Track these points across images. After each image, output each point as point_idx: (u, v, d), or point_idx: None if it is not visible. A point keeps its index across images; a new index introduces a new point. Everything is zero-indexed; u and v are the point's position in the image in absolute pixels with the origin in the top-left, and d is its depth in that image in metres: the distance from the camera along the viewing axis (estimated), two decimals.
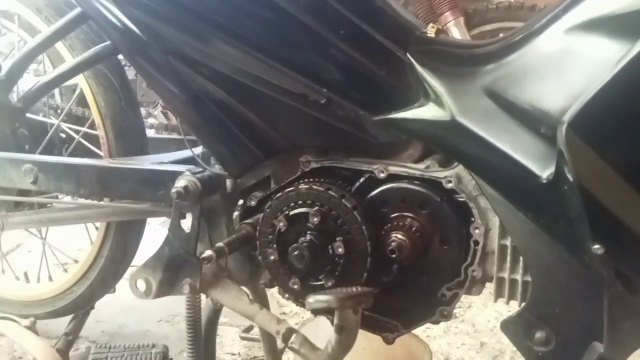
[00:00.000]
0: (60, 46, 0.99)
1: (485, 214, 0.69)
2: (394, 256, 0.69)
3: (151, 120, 1.92)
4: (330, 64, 0.72)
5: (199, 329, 0.83)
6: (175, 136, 1.81)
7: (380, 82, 0.71)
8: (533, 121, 0.60)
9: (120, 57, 0.98)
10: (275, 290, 0.81)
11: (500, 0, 1.73)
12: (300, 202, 0.72)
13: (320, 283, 0.72)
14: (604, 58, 0.53)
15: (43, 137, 1.08)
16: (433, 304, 0.73)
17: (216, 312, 0.91)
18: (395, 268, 0.73)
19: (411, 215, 0.71)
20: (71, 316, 1.17)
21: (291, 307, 1.51)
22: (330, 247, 0.70)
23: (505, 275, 0.69)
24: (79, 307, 1.11)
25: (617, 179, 0.51)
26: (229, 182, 0.81)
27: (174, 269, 0.78)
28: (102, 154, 1.03)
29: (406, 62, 0.70)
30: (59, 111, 1.29)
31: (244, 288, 0.82)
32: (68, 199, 1.06)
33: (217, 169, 0.83)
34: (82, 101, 1.10)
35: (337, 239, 0.70)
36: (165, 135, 1.85)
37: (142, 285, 0.79)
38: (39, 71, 1.46)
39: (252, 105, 0.75)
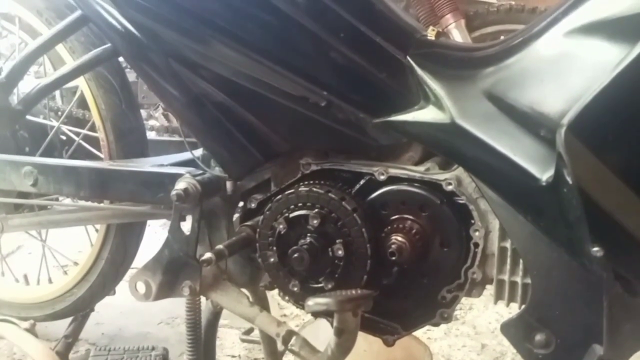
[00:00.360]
0: (60, 48, 0.99)
1: (485, 216, 0.69)
2: (393, 258, 0.69)
3: (152, 122, 1.92)
4: (330, 67, 0.72)
5: (199, 331, 0.83)
6: (175, 138, 1.81)
7: (380, 84, 0.72)
8: (532, 124, 0.60)
9: (121, 59, 0.99)
10: (276, 291, 0.80)
11: (501, 2, 1.74)
12: (300, 204, 0.72)
13: (320, 285, 0.72)
14: (603, 61, 0.54)
15: (43, 139, 1.09)
16: (433, 306, 0.73)
17: (216, 314, 0.91)
18: (395, 270, 0.73)
19: (411, 217, 0.71)
20: (70, 318, 1.17)
21: (291, 308, 1.51)
22: (329, 249, 0.70)
23: (505, 277, 0.69)
24: (79, 309, 1.11)
25: (615, 182, 0.51)
26: (228, 184, 0.81)
27: (173, 271, 0.78)
28: (102, 156, 1.03)
29: (406, 64, 0.70)
30: (59, 113, 1.29)
31: (244, 290, 0.82)
32: (68, 201, 1.06)
33: (217, 171, 0.83)
34: (82, 103, 1.10)
35: (337, 241, 0.70)
36: (165, 137, 1.85)
37: (141, 287, 0.79)
38: (40, 73, 1.46)
39: (252, 108, 0.75)
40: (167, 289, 0.79)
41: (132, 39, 0.75)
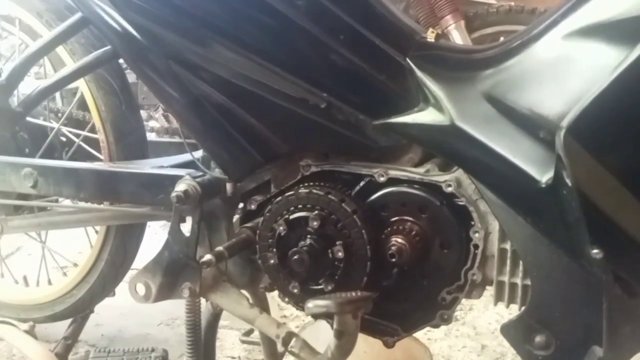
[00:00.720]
0: (60, 50, 1.00)
1: (485, 217, 0.69)
2: (393, 260, 0.70)
3: (152, 123, 1.92)
4: (330, 69, 0.72)
5: (199, 333, 0.83)
6: (175, 139, 1.80)
7: (380, 86, 0.72)
8: (532, 126, 0.60)
9: (121, 60, 0.99)
10: (275, 293, 0.80)
11: (501, 3, 1.74)
12: (300, 206, 0.72)
13: (319, 287, 0.72)
14: (602, 63, 0.54)
15: (43, 140, 1.09)
16: (433, 307, 0.73)
17: (216, 315, 0.91)
18: (395, 272, 0.73)
19: (411, 218, 0.71)
20: (70, 320, 1.17)
21: (291, 310, 1.51)
22: (329, 251, 0.70)
23: (505, 278, 0.69)
24: (78, 310, 1.11)
25: (614, 184, 0.51)
26: (228, 186, 0.81)
27: (173, 273, 0.78)
28: (102, 157, 1.03)
29: (406, 66, 0.70)
30: (59, 114, 1.29)
31: (244, 291, 0.82)
32: (67, 202, 1.06)
33: (217, 172, 0.83)
34: (83, 104, 1.10)
35: (337, 242, 0.70)
36: (165, 139, 1.85)
37: (141, 288, 0.79)
38: (40, 74, 1.46)
39: (252, 109, 0.75)
40: (166, 291, 0.79)
41: (132, 40, 0.76)
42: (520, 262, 0.68)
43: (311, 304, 0.60)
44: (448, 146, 0.68)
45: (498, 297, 0.70)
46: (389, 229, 0.71)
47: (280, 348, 0.76)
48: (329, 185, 0.73)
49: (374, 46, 0.71)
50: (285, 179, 0.78)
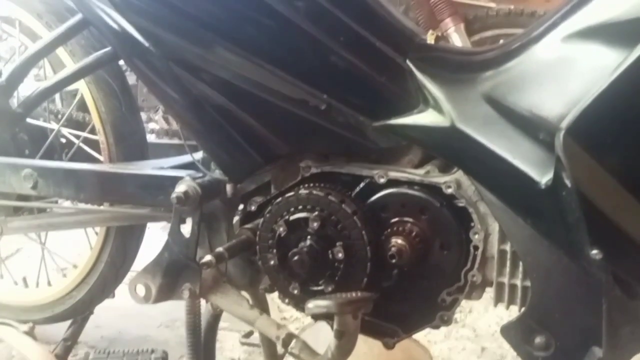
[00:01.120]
0: (60, 51, 1.00)
1: (485, 218, 0.69)
2: (393, 261, 0.70)
3: (152, 125, 1.92)
4: (330, 70, 0.73)
5: (199, 334, 0.83)
6: (175, 141, 1.81)
7: (379, 88, 0.72)
8: (531, 127, 0.60)
9: (121, 62, 0.99)
10: (275, 295, 0.80)
11: (500, 6, 1.74)
12: (300, 207, 0.72)
13: (320, 288, 0.72)
14: (601, 65, 0.54)
15: (43, 141, 1.09)
16: (433, 308, 0.73)
17: (216, 317, 0.91)
18: (395, 273, 0.73)
19: (411, 220, 0.71)
20: (70, 321, 1.17)
21: (291, 312, 1.51)
22: (329, 251, 0.70)
23: (505, 279, 0.70)
24: (78, 312, 1.11)
25: (614, 185, 0.51)
26: (228, 187, 0.81)
27: (173, 274, 0.78)
28: (102, 158, 1.03)
29: (406, 68, 0.71)
30: (59, 116, 1.29)
31: (244, 293, 0.82)
32: (67, 203, 1.06)
33: (217, 173, 0.83)
34: (83, 106, 1.10)
35: (337, 243, 0.70)
36: (165, 140, 1.85)
37: (141, 290, 0.79)
38: (40, 76, 1.46)
39: (252, 111, 0.75)
40: (166, 292, 0.79)
41: (133, 42, 0.76)
42: (520, 263, 0.68)
43: (311, 304, 0.60)
44: (448, 147, 0.68)
45: (498, 299, 0.71)
46: (389, 230, 0.72)
47: (280, 349, 0.76)
48: (329, 187, 0.73)
49: (374, 48, 0.71)
50: (286, 180, 0.78)
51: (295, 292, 0.73)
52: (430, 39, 0.75)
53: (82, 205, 0.99)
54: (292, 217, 0.72)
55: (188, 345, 0.83)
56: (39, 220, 1.05)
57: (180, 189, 0.77)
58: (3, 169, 0.95)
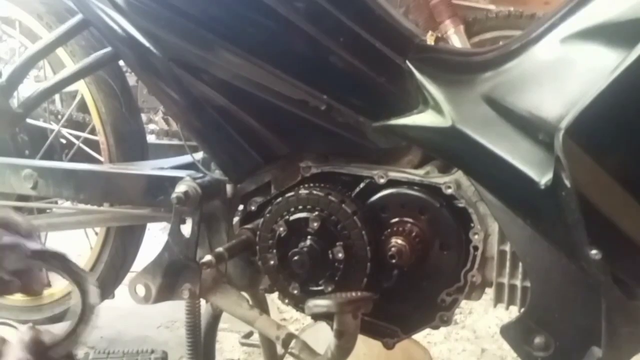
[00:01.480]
0: (61, 52, 1.00)
1: (484, 219, 0.69)
2: (393, 261, 0.70)
3: (152, 126, 1.93)
4: (330, 71, 0.73)
5: (198, 335, 0.83)
6: (175, 142, 1.81)
7: (379, 88, 0.72)
8: (531, 128, 0.61)
9: (121, 62, 0.99)
10: (275, 295, 0.81)
11: (500, 9, 1.75)
12: (300, 207, 0.72)
13: (319, 288, 0.72)
14: (600, 66, 0.54)
15: (43, 142, 1.09)
16: (432, 309, 0.73)
17: (215, 317, 0.91)
18: (395, 273, 0.73)
19: (411, 220, 0.71)
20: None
21: (291, 312, 1.51)
22: (329, 252, 0.70)
23: (505, 280, 0.70)
24: None
25: (613, 185, 0.52)
26: (228, 187, 0.82)
27: (173, 274, 0.78)
28: (102, 159, 1.03)
29: (405, 69, 0.71)
30: (59, 116, 1.30)
31: (244, 293, 0.82)
32: (67, 204, 1.06)
33: (217, 174, 0.83)
34: (82, 106, 1.11)
35: (337, 243, 0.70)
36: (165, 141, 1.85)
37: (141, 290, 0.79)
38: (40, 77, 1.46)
39: (252, 111, 0.75)
40: (166, 292, 0.79)
41: (133, 42, 0.76)
42: (520, 264, 0.68)
43: (311, 303, 0.60)
44: (447, 148, 0.68)
45: (497, 299, 0.71)
46: (388, 230, 0.72)
47: (280, 350, 0.76)
48: (329, 187, 0.73)
49: (373, 49, 0.72)
50: (286, 180, 0.78)
51: (295, 292, 0.73)
52: (430, 40, 0.75)
53: (82, 206, 0.99)
54: (292, 217, 0.72)
55: (188, 345, 0.83)
56: (39, 221, 1.05)
57: (180, 189, 0.77)
58: (3, 169, 0.95)
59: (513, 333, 0.66)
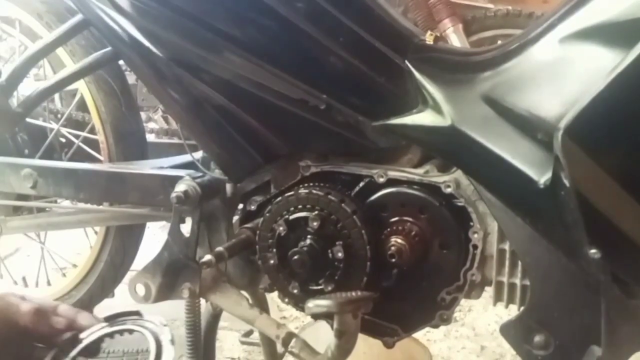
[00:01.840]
0: (60, 51, 1.00)
1: (484, 218, 0.69)
2: (393, 260, 0.70)
3: (151, 125, 1.93)
4: (329, 71, 0.73)
5: (198, 334, 0.83)
6: (175, 140, 1.81)
7: (379, 88, 0.72)
8: (530, 127, 0.61)
9: (121, 62, 0.99)
10: (275, 294, 0.81)
11: (498, 7, 1.75)
12: (299, 206, 0.72)
13: (319, 287, 0.72)
14: (600, 65, 0.54)
15: (42, 141, 1.09)
16: (432, 307, 0.73)
17: (215, 316, 0.91)
18: (395, 272, 0.73)
19: (410, 219, 0.72)
20: None
21: (291, 311, 1.51)
22: (329, 251, 0.71)
23: (504, 279, 0.70)
24: None
25: (612, 184, 0.52)
26: (228, 187, 0.82)
27: (173, 273, 0.78)
28: (101, 158, 1.03)
29: (405, 68, 0.71)
30: (59, 115, 1.29)
31: (244, 292, 0.82)
32: (67, 203, 1.06)
33: (217, 173, 0.83)
34: (82, 105, 1.10)
35: (337, 243, 0.70)
36: (165, 140, 1.85)
37: (141, 289, 0.79)
38: (39, 76, 1.46)
39: (252, 111, 0.75)
40: (166, 291, 0.79)
41: (133, 42, 0.76)
42: (519, 263, 0.68)
43: (312, 303, 0.60)
44: (447, 147, 0.68)
45: (497, 298, 0.71)
46: (388, 229, 0.72)
47: (280, 349, 0.76)
48: (328, 186, 0.74)
49: (373, 48, 0.72)
50: (285, 179, 0.78)
51: (295, 291, 0.74)
52: (429, 39, 0.75)
53: (81, 205, 0.99)
54: (291, 217, 0.72)
55: (188, 344, 0.83)
56: (39, 220, 1.05)
57: (180, 188, 0.77)
58: (3, 169, 0.95)
59: (513, 332, 0.66)
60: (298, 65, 0.73)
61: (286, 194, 0.74)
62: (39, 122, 1.13)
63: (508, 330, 0.67)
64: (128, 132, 1.02)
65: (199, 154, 0.88)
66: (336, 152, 0.77)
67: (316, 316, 0.63)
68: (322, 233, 0.71)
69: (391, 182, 0.72)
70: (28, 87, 1.04)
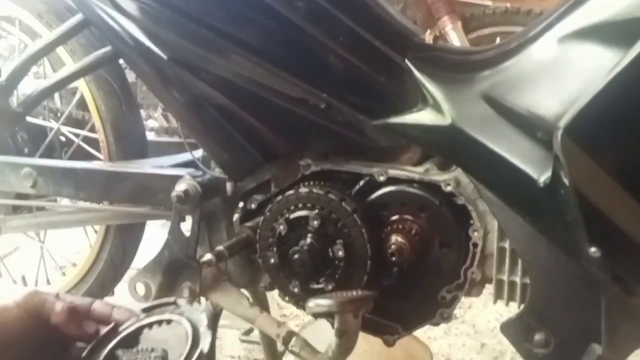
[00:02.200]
0: (60, 50, 1.00)
1: (484, 216, 0.69)
2: (393, 259, 0.70)
3: (151, 123, 1.92)
4: (329, 70, 0.73)
5: None
6: (175, 139, 1.81)
7: (379, 87, 0.72)
8: (529, 126, 0.61)
9: (121, 60, 0.99)
10: (275, 292, 0.81)
11: (497, 5, 1.75)
12: (300, 205, 0.72)
13: (320, 286, 0.72)
14: (599, 64, 0.54)
15: (42, 140, 1.09)
16: (433, 306, 0.73)
17: (216, 315, 0.91)
18: (395, 271, 0.73)
19: (410, 217, 0.72)
20: None
21: (291, 309, 1.51)
22: (330, 250, 0.71)
23: (504, 277, 0.70)
24: None
25: (612, 183, 0.52)
26: (228, 185, 0.82)
27: (173, 273, 0.78)
28: (101, 157, 1.03)
29: (404, 67, 0.71)
30: (59, 114, 1.29)
31: (244, 291, 0.83)
32: (67, 202, 1.06)
33: (217, 172, 0.83)
34: (82, 104, 1.10)
35: (337, 241, 0.70)
36: (165, 138, 1.85)
37: (141, 288, 0.79)
38: (39, 73, 1.46)
39: (252, 110, 0.75)
40: (166, 290, 0.79)
41: (133, 42, 0.76)
42: (519, 261, 0.68)
43: (312, 303, 0.60)
44: (447, 146, 0.68)
45: (497, 296, 0.71)
46: (388, 228, 0.72)
47: (280, 347, 0.76)
48: (329, 185, 0.74)
49: (373, 47, 0.72)
50: (286, 178, 0.78)
51: (296, 290, 0.74)
52: (428, 38, 0.75)
53: (81, 204, 0.99)
54: (292, 216, 0.73)
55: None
56: (38, 219, 1.05)
57: (180, 187, 0.77)
58: (2, 168, 0.95)
59: (513, 330, 0.67)
60: (298, 65, 0.73)
61: (286, 193, 0.74)
62: (39, 121, 1.13)
63: (508, 328, 0.67)
64: (128, 131, 1.02)
65: (199, 153, 0.88)
66: (336, 151, 0.77)
67: (317, 315, 0.63)
68: (323, 232, 0.71)
69: (391, 180, 0.72)
70: (27, 85, 1.04)
